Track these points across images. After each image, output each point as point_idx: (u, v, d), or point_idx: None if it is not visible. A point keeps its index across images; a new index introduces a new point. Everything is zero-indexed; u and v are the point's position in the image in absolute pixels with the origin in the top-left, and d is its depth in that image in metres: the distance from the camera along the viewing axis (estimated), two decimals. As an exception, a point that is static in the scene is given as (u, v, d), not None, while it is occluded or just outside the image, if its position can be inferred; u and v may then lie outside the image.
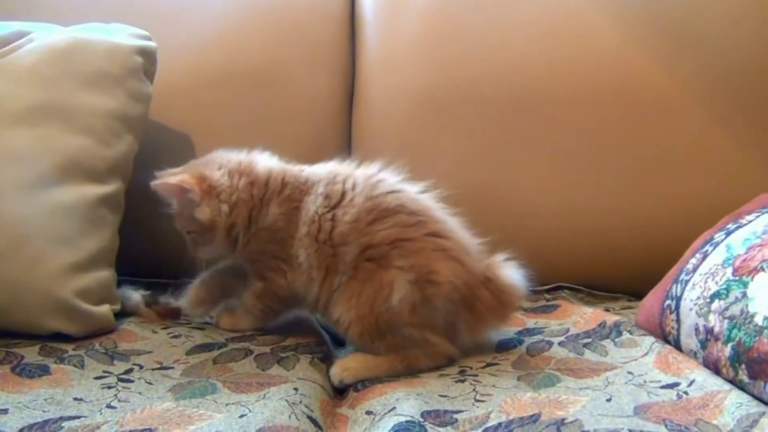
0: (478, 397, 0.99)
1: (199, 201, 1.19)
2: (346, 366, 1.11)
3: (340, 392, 1.10)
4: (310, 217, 1.17)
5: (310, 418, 0.92)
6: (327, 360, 1.16)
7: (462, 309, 1.14)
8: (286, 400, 0.95)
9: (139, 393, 0.99)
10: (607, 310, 1.35)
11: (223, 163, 1.24)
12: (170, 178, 1.20)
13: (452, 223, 1.19)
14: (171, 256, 1.53)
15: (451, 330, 1.14)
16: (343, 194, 1.17)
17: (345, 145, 1.60)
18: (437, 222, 1.17)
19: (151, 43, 1.42)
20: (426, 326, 1.12)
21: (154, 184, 1.19)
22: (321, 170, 1.23)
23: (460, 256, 1.15)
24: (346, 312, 1.13)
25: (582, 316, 1.29)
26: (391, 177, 1.21)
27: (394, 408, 0.94)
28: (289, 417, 0.90)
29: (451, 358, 1.14)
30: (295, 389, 0.99)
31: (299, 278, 1.19)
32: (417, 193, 1.20)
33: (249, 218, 1.21)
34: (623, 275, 1.49)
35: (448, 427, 0.90)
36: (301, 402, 0.95)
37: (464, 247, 1.17)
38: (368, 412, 0.97)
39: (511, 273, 1.18)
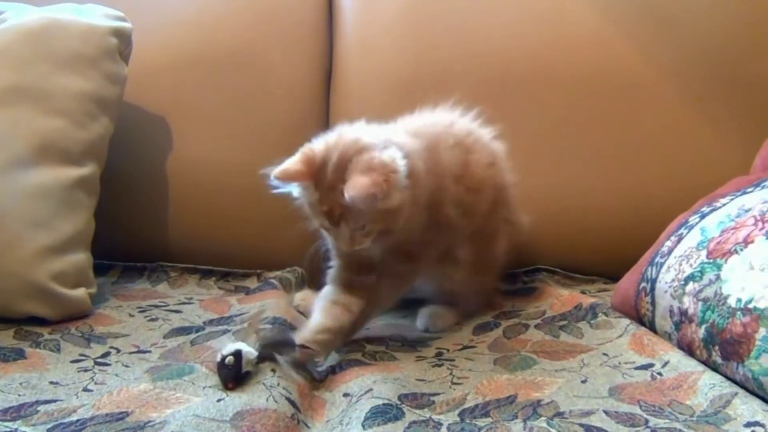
0: (454, 380, 1.00)
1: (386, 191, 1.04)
2: (436, 312, 1.25)
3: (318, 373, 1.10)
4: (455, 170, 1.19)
5: (288, 399, 0.92)
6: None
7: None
8: (264, 383, 0.94)
9: (116, 375, 0.99)
10: (583, 292, 1.36)
11: (378, 141, 1.09)
12: (361, 183, 1.02)
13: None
14: (147, 239, 1.53)
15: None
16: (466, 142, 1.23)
17: (323, 128, 1.59)
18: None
19: (127, 24, 1.41)
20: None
21: (351, 195, 1.01)
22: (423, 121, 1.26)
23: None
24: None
25: (558, 298, 1.29)
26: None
27: (371, 389, 0.94)
28: (267, 400, 0.90)
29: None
30: (272, 371, 0.99)
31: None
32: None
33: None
34: (600, 258, 1.49)
35: (425, 410, 0.91)
36: (278, 384, 0.95)
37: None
38: (345, 395, 0.97)
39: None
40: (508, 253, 1.34)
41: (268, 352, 1.01)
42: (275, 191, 1.09)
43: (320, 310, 1.13)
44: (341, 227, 1.07)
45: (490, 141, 1.29)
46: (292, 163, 1.07)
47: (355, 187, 1.01)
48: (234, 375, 0.95)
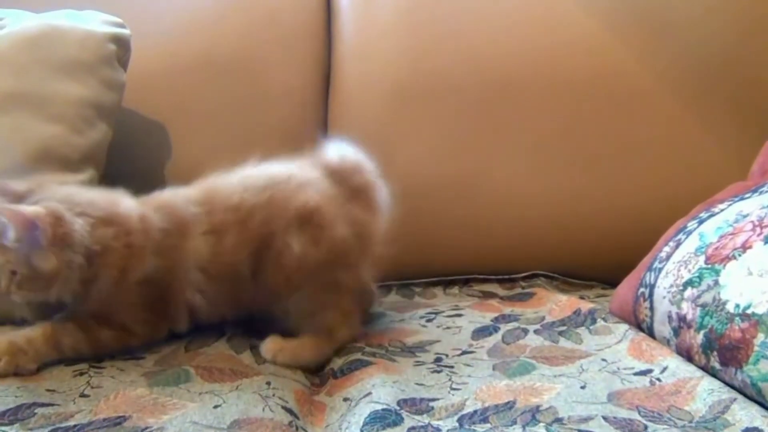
0: (453, 385, 1.00)
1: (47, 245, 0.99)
2: (281, 345, 1.10)
3: (317, 377, 1.10)
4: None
5: (285, 408, 0.92)
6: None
7: (347, 205, 1.14)
8: (259, 394, 0.94)
9: (112, 377, 0.99)
10: (582, 297, 1.36)
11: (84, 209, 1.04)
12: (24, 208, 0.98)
13: None
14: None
15: (360, 230, 1.14)
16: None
17: (321, 133, 1.60)
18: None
19: (125, 31, 1.41)
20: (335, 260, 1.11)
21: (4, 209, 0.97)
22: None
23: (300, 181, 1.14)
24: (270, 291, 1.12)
25: (557, 303, 1.29)
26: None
27: (370, 393, 0.94)
28: (263, 410, 0.90)
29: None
30: (268, 383, 0.98)
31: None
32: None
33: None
34: (598, 263, 1.50)
35: (424, 415, 0.90)
36: (274, 395, 0.95)
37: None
38: (345, 399, 0.97)
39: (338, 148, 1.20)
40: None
41: None
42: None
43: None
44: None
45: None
46: None
47: (19, 209, 0.97)
48: None
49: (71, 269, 1.01)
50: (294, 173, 1.15)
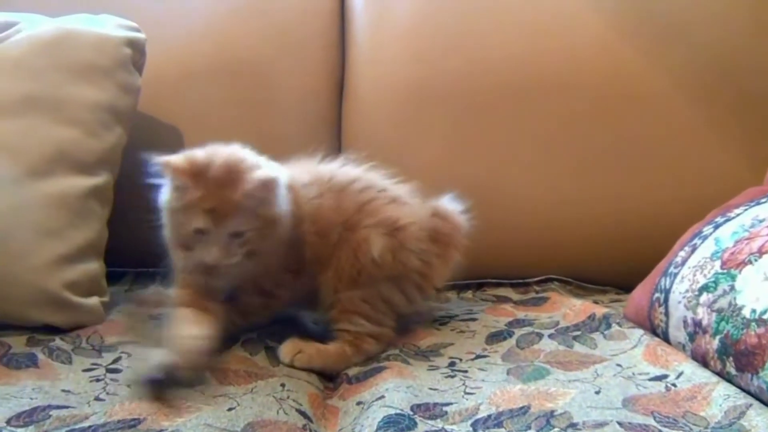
0: (467, 390, 1.00)
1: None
2: (300, 348, 1.11)
3: (331, 381, 1.10)
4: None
5: (299, 411, 0.92)
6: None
7: (429, 243, 1.22)
8: (273, 396, 0.95)
9: (128, 386, 0.99)
10: (596, 302, 1.35)
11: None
12: (260, 173, 1.07)
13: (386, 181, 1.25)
14: (159, 246, 1.53)
15: (427, 269, 1.22)
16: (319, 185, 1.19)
17: (335, 139, 1.60)
18: (377, 180, 1.24)
19: (140, 35, 1.42)
20: (400, 278, 1.18)
21: (257, 178, 1.05)
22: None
23: (408, 200, 1.23)
24: (331, 280, 1.16)
25: (571, 308, 1.29)
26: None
27: (383, 397, 0.95)
28: (278, 412, 0.90)
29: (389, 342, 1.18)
30: (282, 385, 0.99)
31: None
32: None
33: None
34: (612, 268, 1.49)
35: (438, 420, 0.90)
36: (288, 398, 0.95)
37: (406, 192, 1.24)
38: (359, 403, 0.97)
39: (448, 203, 1.27)
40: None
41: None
42: (147, 180, 1.08)
43: (184, 321, 1.07)
44: (219, 231, 1.04)
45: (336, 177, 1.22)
46: (176, 158, 1.06)
47: (257, 175, 1.05)
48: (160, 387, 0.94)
49: (282, 216, 1.10)
50: (390, 187, 1.24)
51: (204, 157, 1.07)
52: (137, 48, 1.40)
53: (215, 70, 1.58)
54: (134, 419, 0.87)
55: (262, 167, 1.09)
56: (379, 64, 1.62)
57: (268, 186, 1.05)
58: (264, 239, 1.07)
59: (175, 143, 1.53)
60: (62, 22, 1.36)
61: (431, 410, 0.93)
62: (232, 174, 1.05)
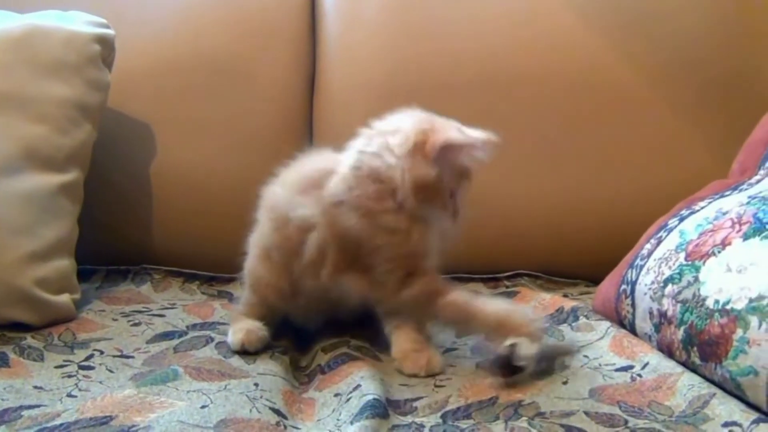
0: (437, 383, 1.01)
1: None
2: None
3: (306, 375, 1.10)
4: None
5: (272, 409, 0.92)
6: (287, 354, 1.14)
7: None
8: (247, 396, 0.95)
9: (100, 382, 0.99)
10: (565, 295, 1.37)
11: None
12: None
13: None
14: (131, 243, 1.52)
15: None
16: None
17: (306, 135, 1.60)
18: None
19: (110, 31, 1.41)
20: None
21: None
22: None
23: None
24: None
25: (541, 302, 1.31)
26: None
27: (359, 386, 0.95)
28: (250, 411, 0.90)
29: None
30: (255, 384, 0.98)
31: None
32: None
33: None
34: (582, 261, 1.50)
35: (409, 416, 0.91)
36: (261, 397, 0.95)
37: None
38: (336, 395, 0.98)
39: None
40: None
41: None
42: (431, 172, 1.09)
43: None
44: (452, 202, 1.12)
45: None
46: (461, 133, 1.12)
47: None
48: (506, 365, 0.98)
49: None
50: None
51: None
52: (106, 44, 1.40)
53: (185, 67, 1.58)
54: (106, 416, 0.87)
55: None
56: (351, 59, 1.62)
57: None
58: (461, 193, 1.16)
59: (145, 139, 1.53)
60: (31, 19, 1.36)
61: (401, 408, 0.93)
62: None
